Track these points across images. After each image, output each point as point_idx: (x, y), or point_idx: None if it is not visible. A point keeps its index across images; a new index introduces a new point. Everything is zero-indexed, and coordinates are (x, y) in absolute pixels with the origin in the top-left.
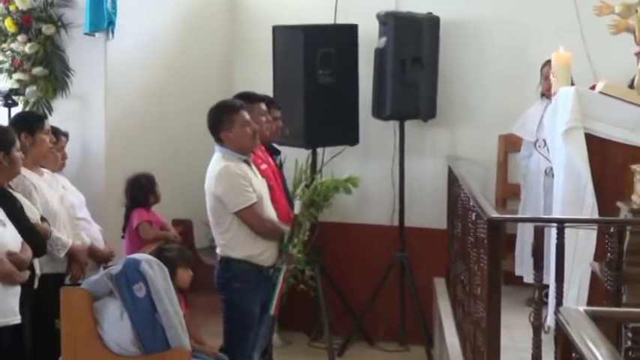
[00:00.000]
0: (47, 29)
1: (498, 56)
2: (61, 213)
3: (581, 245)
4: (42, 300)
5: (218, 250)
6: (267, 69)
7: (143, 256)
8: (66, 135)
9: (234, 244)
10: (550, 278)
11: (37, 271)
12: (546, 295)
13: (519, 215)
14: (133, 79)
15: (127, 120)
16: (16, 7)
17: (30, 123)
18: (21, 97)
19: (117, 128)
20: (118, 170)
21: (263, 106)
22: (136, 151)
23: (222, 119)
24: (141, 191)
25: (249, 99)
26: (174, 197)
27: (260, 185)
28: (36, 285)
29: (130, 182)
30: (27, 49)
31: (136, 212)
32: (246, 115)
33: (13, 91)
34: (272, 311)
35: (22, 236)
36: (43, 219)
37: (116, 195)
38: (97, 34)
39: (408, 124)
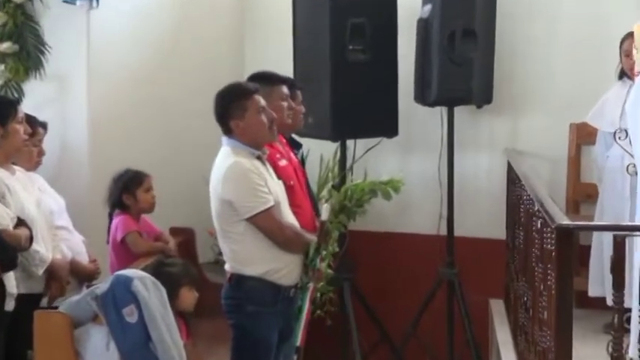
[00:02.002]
0: None
1: (570, 27)
2: (39, 221)
3: None
4: (14, 326)
5: (227, 266)
6: (286, 44)
7: (135, 273)
8: (44, 126)
9: (248, 257)
10: (633, 300)
11: (14, 290)
12: (628, 321)
13: (595, 222)
14: (123, 58)
15: (114, 107)
16: None
17: (0, 110)
18: None
19: (103, 117)
20: (104, 168)
21: (285, 89)
22: (126, 146)
23: (232, 105)
24: (116, 190)
25: (268, 80)
26: (172, 201)
27: (276, 188)
28: (12, 307)
29: (113, 178)
30: None
31: (119, 219)
32: (262, 101)
33: None
34: (298, 342)
35: None
36: (21, 222)
37: (102, 199)
38: (78, 2)
39: (458, 110)
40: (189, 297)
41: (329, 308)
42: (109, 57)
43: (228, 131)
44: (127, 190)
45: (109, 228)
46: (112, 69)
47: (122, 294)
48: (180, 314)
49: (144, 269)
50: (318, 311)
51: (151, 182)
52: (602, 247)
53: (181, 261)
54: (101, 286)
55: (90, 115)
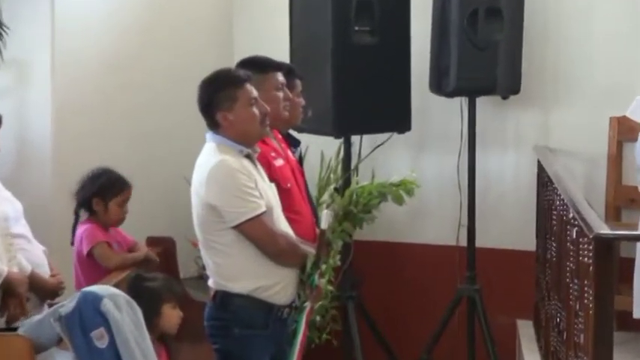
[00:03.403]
0: None
1: (611, 6)
2: None
3: None
4: None
5: (211, 282)
6: (281, 25)
7: (106, 290)
8: None
9: (235, 272)
10: None
11: None
12: None
13: None
14: (93, 42)
15: (83, 98)
16: None
17: None
18: None
19: (69, 109)
20: (70, 168)
21: (280, 77)
22: (96, 142)
23: (219, 95)
24: (89, 189)
25: (260, 67)
26: (149, 206)
27: (268, 191)
28: None
29: (91, 173)
30: None
31: (85, 229)
32: (254, 91)
33: None
34: None
35: None
36: None
37: (66, 203)
38: None
39: (480, 102)
40: (172, 315)
41: (334, 327)
42: (76, 41)
43: (213, 125)
44: (101, 196)
45: (75, 227)
46: (80, 54)
47: (90, 315)
48: (160, 338)
49: (117, 285)
50: (324, 335)
51: (130, 195)
52: None
53: (162, 275)
54: (66, 304)
55: (54, 106)
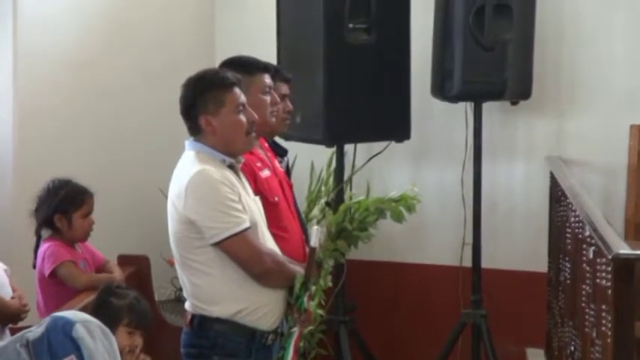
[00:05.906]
0: None
1: (632, 3)
2: None
3: None
4: None
5: (187, 305)
6: (268, 21)
7: (78, 316)
8: None
9: (215, 294)
10: None
11: None
12: None
13: None
14: (59, 38)
15: (48, 98)
16: None
17: None
18: None
19: (32, 111)
20: (33, 177)
21: (267, 79)
22: (63, 147)
23: (205, 96)
24: (49, 206)
25: (245, 68)
26: (121, 220)
27: (252, 205)
28: None
29: (48, 188)
30: None
31: (48, 247)
32: (242, 97)
33: None
34: None
35: None
36: None
37: (29, 216)
38: None
39: (487, 108)
40: (123, 340)
41: (320, 353)
42: (42, 40)
43: (195, 130)
44: (62, 211)
45: (36, 249)
46: (45, 54)
47: (60, 341)
48: None
49: (83, 309)
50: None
51: (93, 204)
52: None
53: (135, 294)
54: (34, 329)
55: (16, 107)
